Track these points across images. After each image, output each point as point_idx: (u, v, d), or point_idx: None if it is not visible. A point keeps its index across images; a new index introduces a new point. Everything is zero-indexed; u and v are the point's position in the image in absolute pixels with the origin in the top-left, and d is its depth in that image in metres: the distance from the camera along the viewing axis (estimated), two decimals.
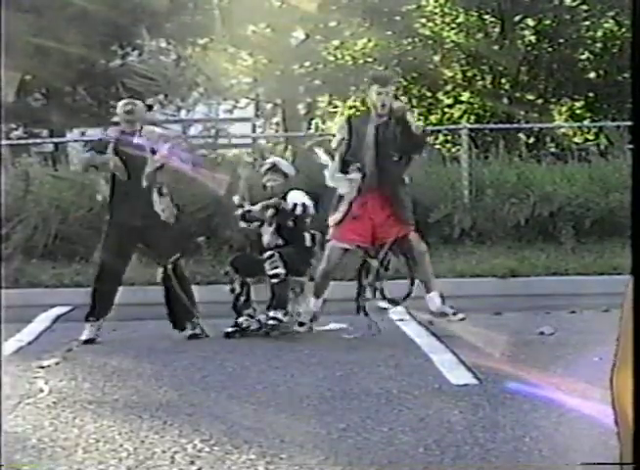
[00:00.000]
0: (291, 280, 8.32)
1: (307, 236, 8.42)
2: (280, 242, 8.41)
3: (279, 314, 8.17)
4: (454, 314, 8.11)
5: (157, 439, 5.17)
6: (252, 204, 8.56)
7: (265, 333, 8.22)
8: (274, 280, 8.19)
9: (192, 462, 4.76)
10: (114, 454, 4.91)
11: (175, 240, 8.38)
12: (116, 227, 8.16)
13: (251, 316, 8.29)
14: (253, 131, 24.39)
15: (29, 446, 5.08)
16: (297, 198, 8.41)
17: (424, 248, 8.28)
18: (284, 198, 8.42)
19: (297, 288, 8.43)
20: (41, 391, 6.35)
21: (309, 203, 8.43)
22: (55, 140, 18.50)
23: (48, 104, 20.39)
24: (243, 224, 8.68)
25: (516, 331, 8.13)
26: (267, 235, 8.46)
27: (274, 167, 8.53)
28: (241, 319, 8.29)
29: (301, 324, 8.29)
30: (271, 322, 8.17)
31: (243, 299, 8.40)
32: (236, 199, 8.65)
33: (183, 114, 15.01)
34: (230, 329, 8.26)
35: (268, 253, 8.24)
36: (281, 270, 8.17)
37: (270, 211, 8.41)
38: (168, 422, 5.49)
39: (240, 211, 8.58)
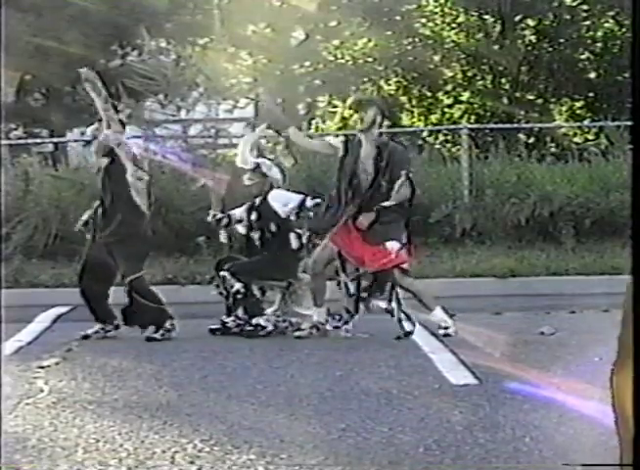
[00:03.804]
0: (270, 285, 8.48)
1: (293, 237, 8.39)
2: (259, 247, 8.51)
3: (260, 320, 8.30)
4: (445, 328, 7.99)
5: (157, 439, 5.17)
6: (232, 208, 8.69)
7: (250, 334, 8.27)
8: (238, 296, 8.30)
9: (192, 462, 4.76)
10: (113, 454, 4.91)
11: (138, 258, 8.29)
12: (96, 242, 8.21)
13: (239, 318, 8.34)
14: (254, 131, 24.34)
15: (29, 446, 5.07)
16: (277, 198, 8.38)
17: (407, 281, 8.05)
18: (264, 198, 8.43)
19: (284, 291, 8.46)
20: (41, 391, 6.34)
21: (294, 201, 8.39)
22: (55, 140, 18.49)
23: (48, 104, 20.38)
24: (222, 232, 8.78)
25: (516, 331, 8.13)
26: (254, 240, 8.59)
27: (257, 168, 8.50)
28: (228, 319, 8.35)
29: (299, 329, 8.28)
30: (249, 328, 8.27)
31: (230, 301, 8.43)
32: (210, 214, 8.73)
33: (183, 114, 15.00)
34: (214, 326, 8.39)
35: (222, 273, 8.36)
36: (238, 286, 8.27)
37: (254, 215, 8.46)
38: (168, 422, 5.49)
39: (218, 216, 8.64)
